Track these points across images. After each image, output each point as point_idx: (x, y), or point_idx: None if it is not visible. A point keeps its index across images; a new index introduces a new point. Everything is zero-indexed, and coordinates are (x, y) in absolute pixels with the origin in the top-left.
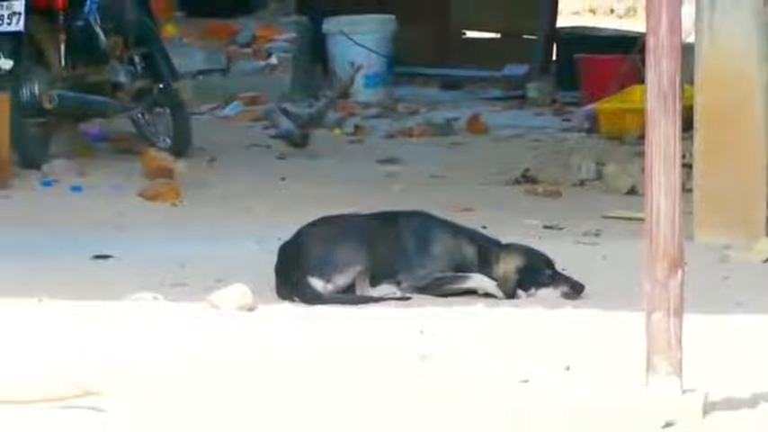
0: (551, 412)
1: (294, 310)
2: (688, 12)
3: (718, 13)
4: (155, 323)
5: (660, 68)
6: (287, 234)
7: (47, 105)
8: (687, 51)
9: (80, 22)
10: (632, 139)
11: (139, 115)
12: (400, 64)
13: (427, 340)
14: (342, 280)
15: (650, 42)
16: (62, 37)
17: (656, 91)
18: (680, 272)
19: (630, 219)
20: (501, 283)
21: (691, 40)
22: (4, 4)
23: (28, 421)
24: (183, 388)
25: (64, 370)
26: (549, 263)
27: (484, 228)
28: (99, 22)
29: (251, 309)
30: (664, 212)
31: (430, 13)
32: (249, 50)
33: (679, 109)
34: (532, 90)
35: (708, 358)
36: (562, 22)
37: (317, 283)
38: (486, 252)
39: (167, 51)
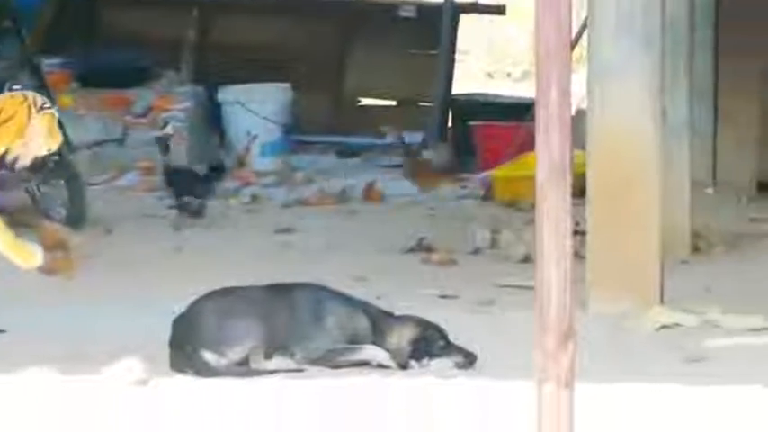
0: None
1: (188, 384)
2: (580, 79)
3: (610, 84)
4: (47, 398)
5: (550, 141)
6: (182, 306)
7: None
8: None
9: None
10: (527, 206)
11: (34, 187)
12: (296, 132)
13: (320, 413)
14: (235, 353)
15: (540, 115)
16: None
17: (547, 163)
18: (571, 343)
19: (524, 287)
20: (394, 355)
21: (583, 106)
22: None
23: None
24: None
25: None
26: (442, 333)
27: (378, 298)
28: None
29: (144, 382)
30: (554, 284)
31: (325, 82)
32: (145, 120)
33: (569, 181)
34: (428, 157)
35: (599, 429)
36: (459, 87)
37: (210, 357)
38: (380, 323)
39: (62, 122)
